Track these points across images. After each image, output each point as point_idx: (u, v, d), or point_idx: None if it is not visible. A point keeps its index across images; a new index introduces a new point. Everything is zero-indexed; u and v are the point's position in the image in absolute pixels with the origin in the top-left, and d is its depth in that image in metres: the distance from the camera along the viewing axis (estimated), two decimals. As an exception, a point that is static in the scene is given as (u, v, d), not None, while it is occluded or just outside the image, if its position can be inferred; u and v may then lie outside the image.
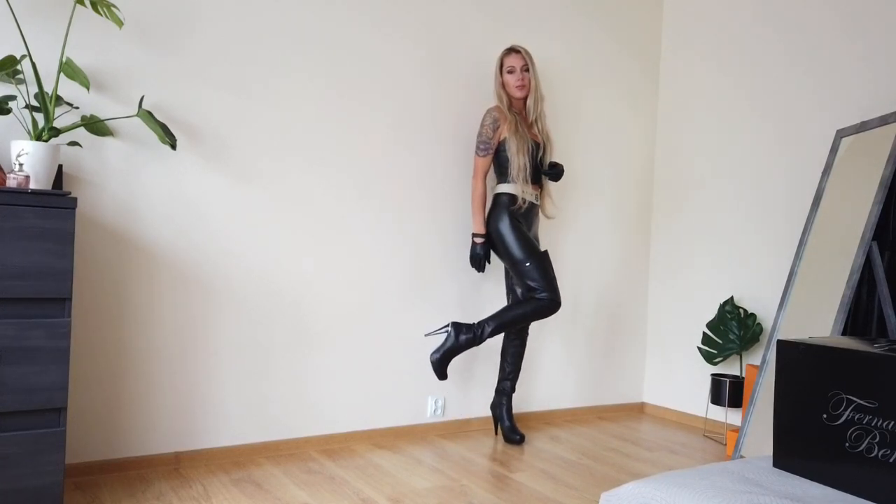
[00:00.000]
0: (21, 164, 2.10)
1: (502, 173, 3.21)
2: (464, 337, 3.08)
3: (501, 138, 3.18)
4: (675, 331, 3.92)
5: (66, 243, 2.07)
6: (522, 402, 3.65)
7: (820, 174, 3.27)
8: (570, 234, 3.80)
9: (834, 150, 3.06)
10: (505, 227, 3.14)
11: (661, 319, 4.02)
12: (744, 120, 3.63)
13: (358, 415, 3.17)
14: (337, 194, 3.09)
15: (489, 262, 3.31)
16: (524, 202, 3.18)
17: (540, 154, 3.25)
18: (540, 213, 3.35)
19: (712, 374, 3.46)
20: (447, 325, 3.11)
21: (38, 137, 2.26)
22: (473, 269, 3.32)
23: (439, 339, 3.32)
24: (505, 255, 3.17)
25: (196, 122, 2.78)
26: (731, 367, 3.63)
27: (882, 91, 3.07)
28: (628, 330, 4.03)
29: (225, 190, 2.84)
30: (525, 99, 3.26)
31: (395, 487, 2.63)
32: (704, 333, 3.52)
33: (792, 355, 1.75)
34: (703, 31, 3.87)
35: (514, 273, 3.17)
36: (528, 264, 3.10)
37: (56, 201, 2.06)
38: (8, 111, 2.28)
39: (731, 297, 3.49)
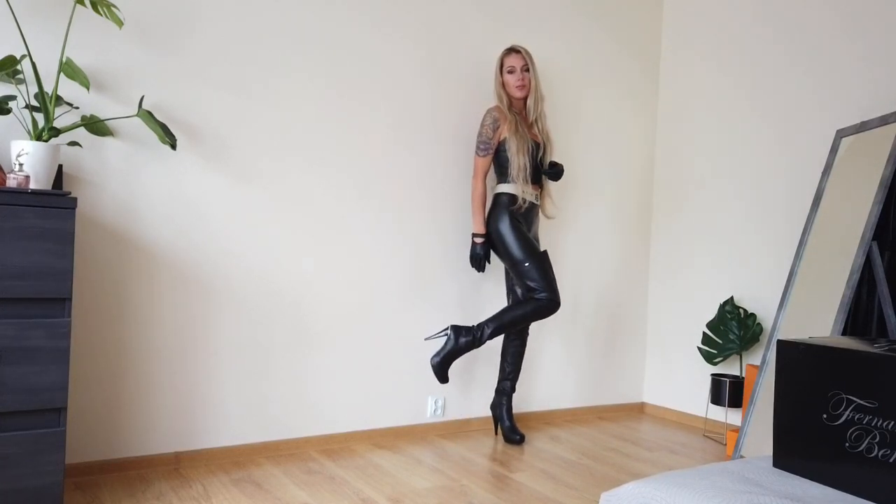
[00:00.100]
0: (21, 164, 2.10)
1: (502, 173, 3.21)
2: (463, 339, 3.08)
3: (501, 138, 3.18)
4: (675, 331, 3.92)
5: (66, 243, 2.07)
6: (522, 402, 3.65)
7: (820, 174, 3.27)
8: (570, 234, 3.80)
9: (834, 150, 3.06)
10: (505, 227, 3.14)
11: (661, 319, 4.02)
12: (744, 120, 3.63)
13: (358, 415, 3.17)
14: (337, 194, 3.09)
15: (489, 262, 3.31)
16: (524, 202, 3.18)
17: (540, 154, 3.25)
18: (540, 213, 3.35)
19: (712, 374, 3.46)
20: (446, 329, 3.11)
21: (38, 137, 2.26)
22: (473, 269, 3.32)
23: (439, 343, 3.31)
24: (504, 255, 3.17)
25: (196, 122, 2.78)
26: (731, 367, 3.63)
27: (882, 91, 3.07)
28: (628, 330, 4.03)
29: (225, 190, 2.84)
30: (525, 99, 3.26)
31: (395, 487, 2.63)
32: (704, 333, 3.52)
33: (792, 355, 1.75)
34: (703, 31, 3.87)
35: (513, 273, 3.17)
36: (527, 264, 3.10)
37: (56, 201, 2.06)
38: (8, 111, 2.28)
39: (731, 297, 3.49)
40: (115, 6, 2.37)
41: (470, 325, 3.35)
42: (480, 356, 3.48)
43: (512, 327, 3.15)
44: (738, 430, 3.20)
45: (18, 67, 2.32)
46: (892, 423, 1.51)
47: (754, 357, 3.49)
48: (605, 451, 3.21)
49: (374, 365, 3.21)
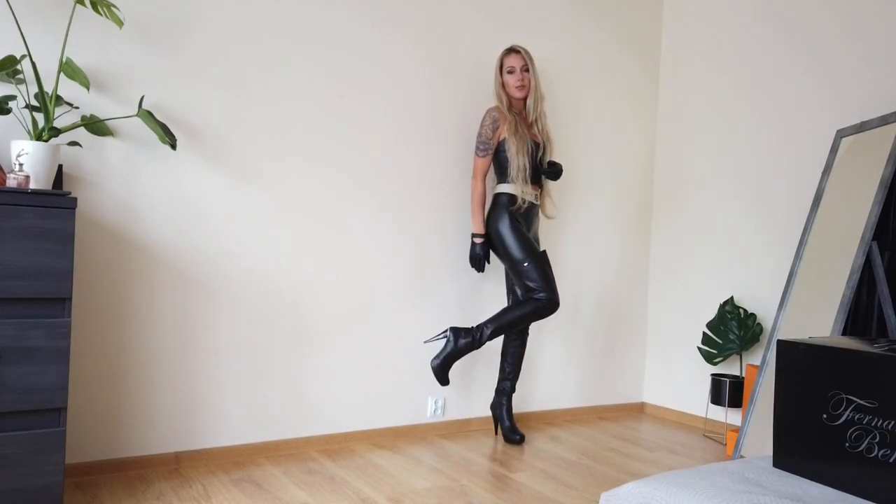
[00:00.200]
0: (21, 164, 2.10)
1: (502, 173, 3.21)
2: (463, 341, 3.08)
3: (501, 138, 3.18)
4: (675, 331, 3.92)
5: (66, 243, 2.07)
6: (522, 402, 3.65)
7: (820, 174, 3.27)
8: (570, 234, 3.80)
9: (834, 150, 3.06)
10: (504, 227, 3.14)
11: (661, 319, 4.02)
12: (744, 120, 3.63)
13: (358, 415, 3.17)
14: (337, 194, 3.09)
15: (489, 263, 3.31)
16: (524, 202, 3.18)
17: (540, 154, 3.25)
18: (540, 213, 3.35)
19: (712, 374, 3.46)
20: (446, 331, 3.11)
21: (38, 137, 2.26)
22: (473, 269, 3.32)
23: (439, 346, 3.31)
24: (504, 255, 3.17)
25: (196, 122, 2.78)
26: (731, 367, 3.63)
27: (882, 91, 3.07)
28: (628, 330, 4.03)
29: (225, 190, 2.84)
30: (525, 99, 3.26)
31: (395, 487, 2.63)
32: (704, 333, 3.52)
33: (792, 355, 1.75)
34: (703, 31, 3.87)
35: (512, 273, 3.17)
36: (526, 264, 3.10)
37: (56, 201, 2.06)
38: (8, 111, 2.28)
39: (731, 297, 3.49)
40: (115, 6, 2.37)
41: (469, 326, 3.35)
42: (480, 356, 3.48)
43: (511, 328, 3.15)
44: (738, 430, 3.20)
45: (18, 67, 2.32)
46: (892, 423, 1.51)
47: (754, 357, 3.49)
48: (605, 451, 3.21)
49: (374, 365, 3.21)
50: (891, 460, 1.50)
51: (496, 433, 3.39)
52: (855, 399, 1.59)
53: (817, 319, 2.77)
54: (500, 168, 3.21)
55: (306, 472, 2.76)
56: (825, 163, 3.17)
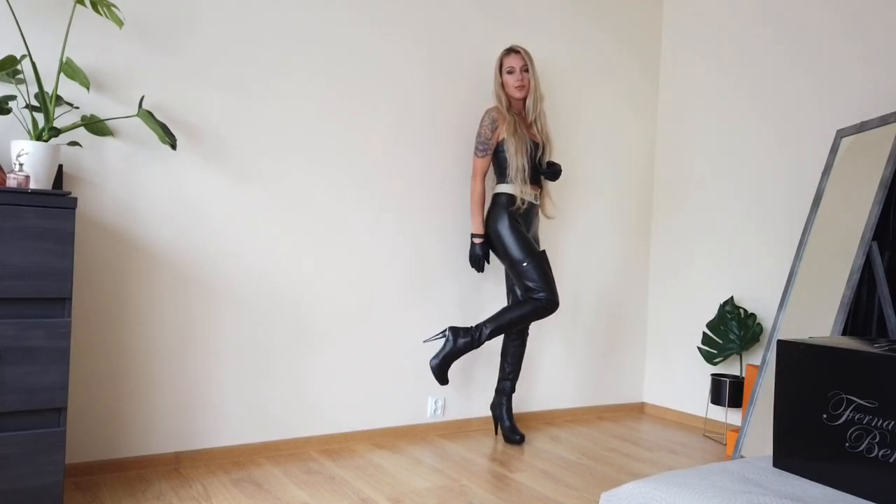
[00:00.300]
0: (21, 164, 2.10)
1: (501, 174, 3.21)
2: (462, 341, 3.08)
3: (500, 139, 3.18)
4: (675, 331, 3.92)
5: (66, 243, 2.07)
6: (522, 402, 3.65)
7: (820, 174, 3.27)
8: (570, 234, 3.80)
9: (834, 150, 3.06)
10: (503, 227, 3.14)
11: (661, 319, 4.02)
12: (744, 120, 3.63)
13: (358, 415, 3.17)
14: (337, 194, 3.09)
15: (488, 263, 3.31)
16: (523, 202, 3.18)
17: (539, 154, 3.25)
18: (540, 214, 3.35)
19: (712, 374, 3.46)
20: (444, 330, 3.11)
21: (38, 137, 2.26)
22: (473, 269, 3.32)
23: (438, 345, 3.31)
24: (503, 255, 3.17)
25: (196, 122, 2.78)
26: (731, 367, 3.63)
27: (882, 91, 3.07)
28: (628, 330, 4.03)
29: (225, 190, 2.84)
30: (524, 99, 3.26)
31: (395, 487, 2.63)
32: (704, 333, 3.52)
33: (792, 355, 1.75)
34: (703, 31, 3.87)
35: (512, 273, 3.17)
36: (525, 264, 3.10)
37: (56, 201, 2.06)
38: (8, 111, 2.28)
39: (731, 297, 3.49)
40: (115, 6, 2.37)
41: (468, 326, 3.35)
42: (480, 356, 3.48)
43: (510, 328, 3.15)
44: (738, 430, 3.20)
45: (18, 67, 2.32)
46: (892, 423, 1.51)
47: (754, 357, 3.49)
48: (605, 451, 3.21)
49: (374, 365, 3.21)
50: (891, 460, 1.50)
51: (496, 433, 3.39)
52: (855, 399, 1.59)
53: (817, 319, 2.77)
54: (500, 168, 3.21)
55: (306, 472, 2.76)
56: (825, 163, 3.17)
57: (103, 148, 2.60)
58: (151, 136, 2.66)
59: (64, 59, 2.33)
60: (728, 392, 3.37)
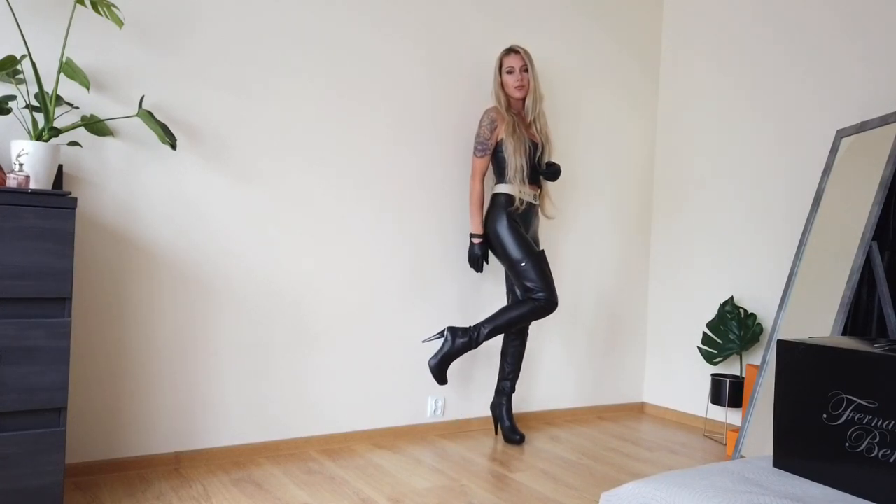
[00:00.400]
0: (21, 164, 2.10)
1: (500, 174, 3.21)
2: (460, 341, 3.08)
3: (499, 139, 3.18)
4: (675, 331, 3.92)
5: (66, 243, 2.07)
6: (522, 402, 3.65)
7: (820, 174, 3.27)
8: (570, 234, 3.80)
9: (834, 150, 3.06)
10: (502, 227, 3.14)
11: (661, 319, 4.02)
12: (744, 120, 3.63)
13: (358, 415, 3.17)
14: (337, 194, 3.09)
15: (487, 263, 3.31)
16: (522, 203, 3.18)
17: (538, 154, 3.25)
18: (539, 214, 3.35)
19: (712, 374, 3.46)
20: (443, 330, 3.11)
21: (38, 137, 2.26)
22: (472, 269, 3.32)
23: (437, 345, 3.31)
24: (502, 255, 3.17)
25: (196, 122, 2.78)
26: (731, 367, 3.63)
27: (882, 91, 3.07)
28: (628, 330, 4.03)
29: (225, 190, 2.84)
30: (524, 99, 3.26)
31: (395, 487, 2.63)
32: (704, 333, 3.52)
33: (792, 355, 1.75)
34: (703, 31, 3.87)
35: (511, 273, 3.17)
36: (524, 264, 3.10)
37: (56, 201, 2.06)
38: (8, 111, 2.28)
39: (731, 297, 3.49)
40: (115, 6, 2.37)
41: (467, 325, 3.35)
42: (480, 356, 3.48)
43: (509, 328, 3.15)
44: (738, 430, 3.20)
45: (18, 67, 2.32)
46: (892, 423, 1.51)
47: (754, 357, 3.49)
48: (605, 451, 3.21)
49: (374, 365, 3.21)
50: (891, 460, 1.50)
51: (496, 433, 3.39)
52: (855, 399, 1.59)
53: (817, 319, 2.77)
54: (499, 168, 3.21)
55: (306, 472, 2.76)
56: (825, 163, 3.17)
57: (103, 148, 2.60)
58: (151, 136, 2.66)
59: (64, 59, 2.33)
60: (728, 392, 3.37)
